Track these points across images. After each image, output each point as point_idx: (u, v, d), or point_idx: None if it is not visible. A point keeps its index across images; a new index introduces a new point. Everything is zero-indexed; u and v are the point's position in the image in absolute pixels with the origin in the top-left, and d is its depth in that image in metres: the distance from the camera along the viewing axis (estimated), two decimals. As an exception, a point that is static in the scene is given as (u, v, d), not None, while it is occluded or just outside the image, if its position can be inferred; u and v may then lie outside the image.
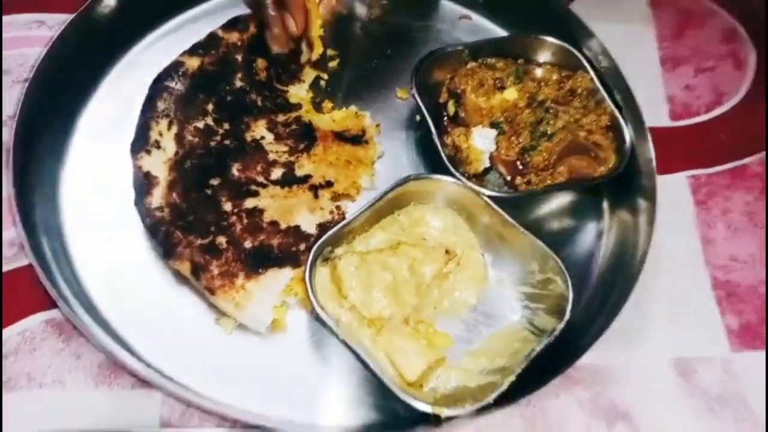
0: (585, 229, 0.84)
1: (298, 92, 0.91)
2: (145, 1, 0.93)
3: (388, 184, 0.77)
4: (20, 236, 0.74)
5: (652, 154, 0.82)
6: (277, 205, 0.79)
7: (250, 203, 0.79)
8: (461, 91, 0.88)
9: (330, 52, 0.95)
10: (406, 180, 0.77)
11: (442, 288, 0.76)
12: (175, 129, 0.82)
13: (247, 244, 0.75)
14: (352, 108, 0.91)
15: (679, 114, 0.94)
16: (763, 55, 0.99)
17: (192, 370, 0.70)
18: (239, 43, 0.90)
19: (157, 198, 0.77)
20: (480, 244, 0.79)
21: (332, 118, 0.89)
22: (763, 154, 0.90)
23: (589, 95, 0.87)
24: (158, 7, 0.95)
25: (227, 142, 0.83)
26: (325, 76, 0.94)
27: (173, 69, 0.86)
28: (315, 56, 0.93)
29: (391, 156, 0.88)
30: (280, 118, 0.87)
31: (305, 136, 0.86)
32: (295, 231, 0.78)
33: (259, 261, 0.74)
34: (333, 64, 0.95)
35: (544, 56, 0.91)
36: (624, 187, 0.83)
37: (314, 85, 0.93)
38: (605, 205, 0.86)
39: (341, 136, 0.87)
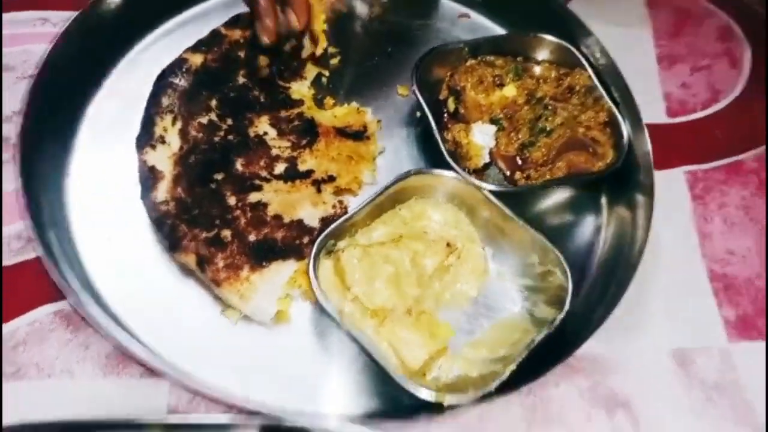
0: (584, 222, 0.85)
1: (300, 89, 0.92)
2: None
3: (389, 179, 0.78)
4: (27, 229, 0.75)
5: (650, 149, 0.83)
6: (281, 200, 0.80)
7: (254, 197, 0.80)
8: (461, 88, 0.89)
9: (331, 49, 0.96)
10: (407, 175, 0.79)
11: (444, 280, 0.77)
12: (179, 124, 0.83)
13: (252, 238, 0.76)
14: (354, 104, 0.91)
15: (675, 111, 0.96)
16: (758, 53, 1.01)
17: (198, 360, 0.70)
18: (241, 41, 0.92)
19: (162, 192, 0.78)
20: (480, 237, 0.80)
21: (334, 114, 0.90)
22: (758, 150, 0.92)
23: (587, 92, 0.89)
24: (161, 4, 0.96)
25: (231, 137, 0.84)
26: (327, 73, 0.95)
27: (177, 65, 0.88)
28: (319, 50, 0.94)
29: (392, 152, 0.90)
30: (283, 114, 0.88)
31: (307, 132, 0.87)
32: (299, 225, 0.79)
33: (264, 254, 0.75)
34: (334, 61, 0.96)
35: (542, 54, 0.93)
36: (622, 182, 0.84)
37: (316, 81, 0.94)
38: (603, 199, 0.87)
39: (343, 132, 0.88)
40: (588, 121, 0.86)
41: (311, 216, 0.80)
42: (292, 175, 0.83)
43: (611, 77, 0.89)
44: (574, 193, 0.88)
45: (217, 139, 0.83)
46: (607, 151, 0.85)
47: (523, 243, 0.77)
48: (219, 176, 0.80)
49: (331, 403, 0.71)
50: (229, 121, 0.85)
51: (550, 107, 0.88)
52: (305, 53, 0.94)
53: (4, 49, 0.93)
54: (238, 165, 0.82)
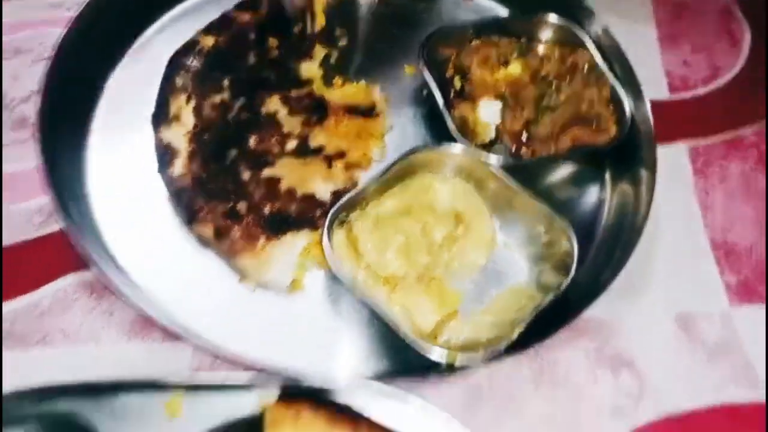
0: (588, 194, 0.87)
1: (309, 69, 0.94)
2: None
3: (397, 155, 0.80)
4: (49, 204, 0.77)
5: (652, 124, 0.85)
6: (293, 175, 0.83)
7: (267, 172, 0.82)
8: (467, 66, 0.91)
9: (338, 31, 0.98)
10: (415, 150, 0.81)
11: (452, 250, 0.79)
12: (193, 103, 0.85)
13: (266, 210, 0.79)
14: (362, 83, 0.94)
15: (677, 87, 0.98)
16: (757, 33, 1.03)
17: (217, 327, 0.72)
18: (251, 23, 0.94)
19: (179, 167, 0.80)
20: (488, 209, 0.82)
21: (343, 93, 0.92)
22: (758, 125, 0.94)
23: (591, 70, 0.90)
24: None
25: (243, 115, 0.86)
26: (335, 54, 0.97)
27: (189, 47, 0.90)
28: (318, 28, 0.97)
29: (400, 129, 0.91)
30: (293, 93, 0.90)
31: (317, 110, 0.89)
32: (311, 198, 0.81)
33: (278, 225, 0.78)
34: (342, 42, 0.98)
35: (546, 34, 0.94)
36: (625, 156, 0.86)
37: (324, 62, 0.96)
38: (608, 173, 0.89)
39: (352, 110, 0.90)
40: (591, 98, 0.88)
41: (323, 190, 0.82)
42: (304, 151, 0.85)
43: (614, 56, 0.91)
44: (579, 167, 0.89)
45: (230, 117, 0.86)
46: (610, 127, 0.87)
47: (530, 214, 0.79)
48: (233, 152, 0.83)
49: (345, 366, 0.73)
50: (241, 100, 0.88)
51: (554, 85, 0.90)
52: (308, 29, 0.96)
53: (19, 34, 0.96)
54: (251, 142, 0.84)
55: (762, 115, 0.94)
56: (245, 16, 0.94)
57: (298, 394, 0.63)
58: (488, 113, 0.89)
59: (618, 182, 0.88)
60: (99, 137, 0.86)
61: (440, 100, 0.85)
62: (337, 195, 0.81)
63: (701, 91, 0.98)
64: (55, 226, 0.79)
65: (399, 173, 0.81)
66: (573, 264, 0.73)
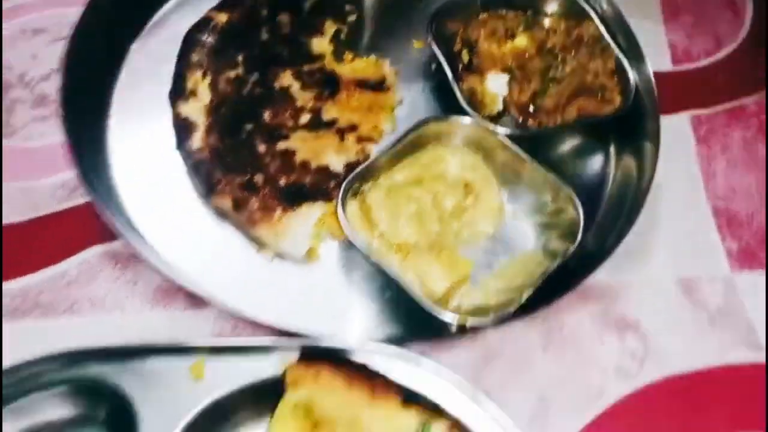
0: (594, 163, 0.89)
1: (320, 44, 0.96)
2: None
3: (408, 127, 0.82)
4: (73, 178, 0.79)
5: (656, 95, 0.87)
6: (307, 147, 0.85)
7: (282, 145, 0.84)
8: (474, 40, 0.93)
9: (348, 6, 1.00)
10: (425, 121, 0.83)
11: (462, 220, 0.81)
12: (208, 79, 0.88)
13: (282, 182, 0.81)
14: (372, 57, 0.96)
15: (680, 59, 1.00)
16: (759, 5, 1.05)
17: (236, 296, 0.74)
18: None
19: (196, 141, 0.83)
20: (496, 179, 0.84)
21: (353, 68, 0.94)
22: (759, 95, 0.96)
23: (596, 42, 0.92)
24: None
25: (257, 90, 0.89)
26: (345, 29, 0.99)
27: (203, 23, 0.92)
28: None
29: (410, 103, 0.93)
30: (305, 68, 0.92)
31: (329, 84, 0.91)
32: (325, 170, 0.83)
33: (294, 197, 0.80)
34: (351, 18, 1.00)
35: (551, 7, 0.96)
36: (630, 126, 0.88)
37: (335, 37, 0.97)
38: (612, 143, 0.91)
39: (363, 84, 0.92)
40: (596, 70, 0.90)
41: (336, 162, 0.84)
42: (317, 124, 0.87)
43: (618, 28, 0.93)
44: (585, 138, 0.91)
45: (244, 92, 0.88)
46: (615, 97, 0.89)
47: (537, 183, 0.81)
48: (249, 126, 0.85)
49: (360, 331, 0.76)
50: (255, 75, 0.90)
51: (559, 57, 0.92)
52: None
53: (36, 13, 0.98)
54: (266, 116, 0.87)
55: (762, 86, 0.96)
56: (256, -7, 0.96)
57: (318, 356, 0.66)
58: (495, 85, 0.90)
59: (622, 152, 0.90)
60: (119, 112, 0.89)
61: (449, 73, 0.86)
62: (350, 167, 0.84)
63: (704, 62, 1.00)
64: (79, 200, 0.82)
65: (410, 145, 0.83)
66: (579, 231, 0.75)
